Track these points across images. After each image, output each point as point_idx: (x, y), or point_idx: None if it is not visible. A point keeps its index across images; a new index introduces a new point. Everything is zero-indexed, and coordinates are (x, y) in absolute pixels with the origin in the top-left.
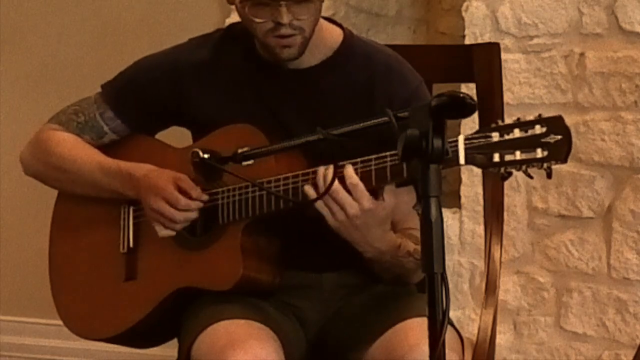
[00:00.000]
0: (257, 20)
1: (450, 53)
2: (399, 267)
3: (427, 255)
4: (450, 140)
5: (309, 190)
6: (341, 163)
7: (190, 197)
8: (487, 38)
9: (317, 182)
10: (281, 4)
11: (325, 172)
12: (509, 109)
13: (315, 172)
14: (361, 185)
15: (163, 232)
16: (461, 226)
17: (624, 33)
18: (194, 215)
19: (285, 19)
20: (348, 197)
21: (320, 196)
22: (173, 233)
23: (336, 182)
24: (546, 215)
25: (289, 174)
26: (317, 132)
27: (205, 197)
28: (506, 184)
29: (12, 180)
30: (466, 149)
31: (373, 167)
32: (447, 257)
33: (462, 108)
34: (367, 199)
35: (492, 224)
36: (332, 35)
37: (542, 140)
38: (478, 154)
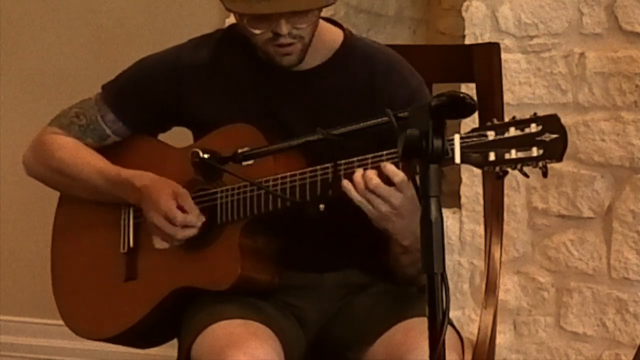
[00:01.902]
0: (256, 32)
1: (450, 53)
2: None
3: (427, 255)
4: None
5: (348, 185)
6: (341, 162)
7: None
8: (487, 38)
9: (354, 180)
10: (280, 16)
11: (365, 171)
12: (509, 109)
13: (313, 172)
14: (405, 177)
15: (159, 244)
16: (461, 226)
17: (624, 33)
18: (193, 232)
19: (285, 29)
20: (390, 189)
21: (319, 199)
22: (167, 245)
23: (376, 178)
24: (546, 215)
25: (287, 174)
26: (317, 132)
27: (202, 219)
28: (506, 184)
29: (12, 181)
30: (462, 148)
31: (370, 166)
32: (447, 257)
33: (462, 108)
34: (409, 187)
35: (492, 224)
36: (332, 36)
37: (538, 138)
38: (474, 152)
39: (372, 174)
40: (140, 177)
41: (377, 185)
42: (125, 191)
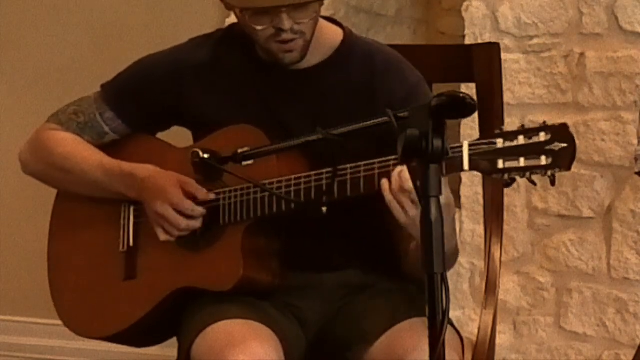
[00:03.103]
0: (258, 27)
1: (450, 53)
2: None
3: (427, 255)
4: (454, 146)
5: (385, 184)
6: (347, 166)
7: (195, 200)
8: (487, 38)
9: (391, 179)
10: (282, 10)
11: (401, 171)
12: (509, 109)
13: (318, 175)
14: None
15: (163, 236)
16: (461, 226)
17: (624, 33)
18: (197, 224)
19: (287, 24)
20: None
21: (324, 202)
22: (173, 238)
23: (409, 180)
24: (546, 215)
25: (292, 176)
26: (317, 132)
27: (212, 196)
28: None
29: (12, 180)
30: (470, 155)
31: (377, 172)
32: None
33: (462, 108)
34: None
35: (492, 224)
36: (332, 35)
37: (547, 147)
38: (482, 160)
39: (408, 175)
40: (142, 169)
41: (412, 190)
42: (126, 185)
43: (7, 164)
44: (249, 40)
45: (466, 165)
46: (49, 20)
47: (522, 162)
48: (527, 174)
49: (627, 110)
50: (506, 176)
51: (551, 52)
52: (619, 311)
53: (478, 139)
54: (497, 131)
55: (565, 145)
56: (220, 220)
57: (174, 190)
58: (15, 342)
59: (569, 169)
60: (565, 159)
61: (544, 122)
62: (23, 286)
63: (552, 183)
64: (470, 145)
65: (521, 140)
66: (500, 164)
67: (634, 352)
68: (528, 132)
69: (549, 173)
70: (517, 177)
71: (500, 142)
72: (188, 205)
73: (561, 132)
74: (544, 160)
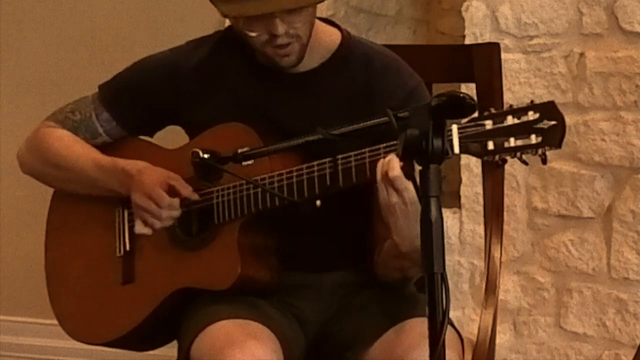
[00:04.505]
0: (253, 34)
1: (450, 53)
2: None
3: (427, 255)
4: None
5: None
6: (339, 157)
7: (180, 197)
8: (487, 38)
9: (382, 162)
10: (275, 16)
11: (390, 159)
12: None
13: (310, 167)
14: None
15: (141, 228)
16: (461, 226)
17: (624, 33)
18: (177, 213)
19: (280, 29)
20: (407, 183)
21: (317, 196)
22: (150, 232)
23: (398, 169)
24: (546, 215)
25: (284, 171)
26: (316, 132)
27: (196, 197)
28: (506, 184)
29: (12, 181)
30: (460, 138)
31: (367, 160)
32: (447, 257)
33: (462, 108)
34: None
35: (492, 224)
36: (330, 38)
37: (536, 126)
38: (472, 142)
39: (396, 164)
40: (134, 165)
41: (395, 178)
42: (119, 181)
43: (7, 165)
44: (247, 42)
45: (456, 149)
46: (49, 21)
47: (512, 142)
48: (518, 154)
49: (627, 110)
50: (497, 157)
51: (551, 52)
52: (619, 311)
53: (467, 122)
54: (486, 113)
55: (554, 122)
56: (215, 219)
57: (154, 185)
58: (15, 342)
59: (559, 146)
60: (555, 136)
61: (532, 101)
62: (23, 286)
63: (544, 162)
64: (459, 129)
65: (510, 120)
66: (491, 145)
67: (634, 352)
68: (516, 111)
69: (540, 152)
70: (509, 158)
71: (489, 124)
72: (165, 198)
73: (549, 109)
74: (534, 139)
